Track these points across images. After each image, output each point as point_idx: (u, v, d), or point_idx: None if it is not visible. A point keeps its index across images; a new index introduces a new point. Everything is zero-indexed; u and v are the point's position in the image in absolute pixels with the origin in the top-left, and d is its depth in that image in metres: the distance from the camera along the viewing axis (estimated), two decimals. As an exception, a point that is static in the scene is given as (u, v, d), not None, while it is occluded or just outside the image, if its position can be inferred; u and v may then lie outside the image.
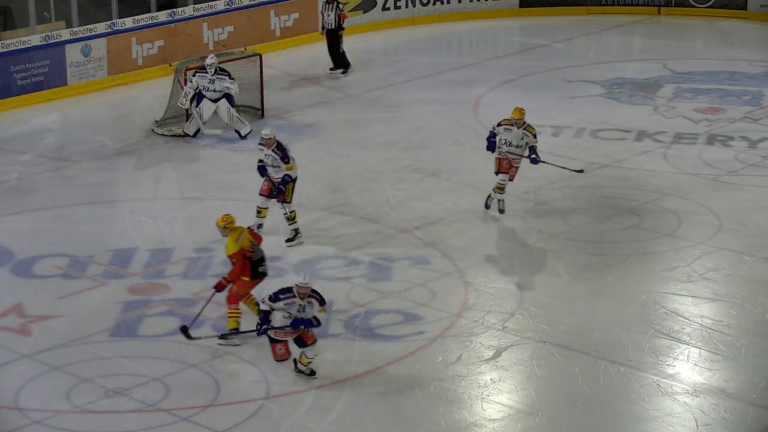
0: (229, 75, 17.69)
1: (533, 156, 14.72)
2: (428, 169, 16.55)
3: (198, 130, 17.78)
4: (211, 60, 17.55)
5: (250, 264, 11.88)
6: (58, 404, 10.79)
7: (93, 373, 11.27)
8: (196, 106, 17.54)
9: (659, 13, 25.33)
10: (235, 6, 22.27)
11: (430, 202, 15.39)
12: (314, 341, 11.14)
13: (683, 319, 12.27)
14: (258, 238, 12.21)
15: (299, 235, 14.20)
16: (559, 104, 19.51)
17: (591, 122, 18.50)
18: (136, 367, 11.30)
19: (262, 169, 14.05)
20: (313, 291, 11.17)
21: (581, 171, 15.76)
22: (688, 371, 11.32)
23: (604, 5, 25.48)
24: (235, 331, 11.81)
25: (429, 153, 17.26)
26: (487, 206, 14.97)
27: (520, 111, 14.61)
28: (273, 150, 13.89)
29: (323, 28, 21.20)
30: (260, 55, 19.27)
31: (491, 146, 14.79)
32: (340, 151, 17.37)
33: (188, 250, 13.97)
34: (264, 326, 11.08)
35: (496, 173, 14.81)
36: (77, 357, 11.57)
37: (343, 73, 21.16)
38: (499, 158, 14.75)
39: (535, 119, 18.62)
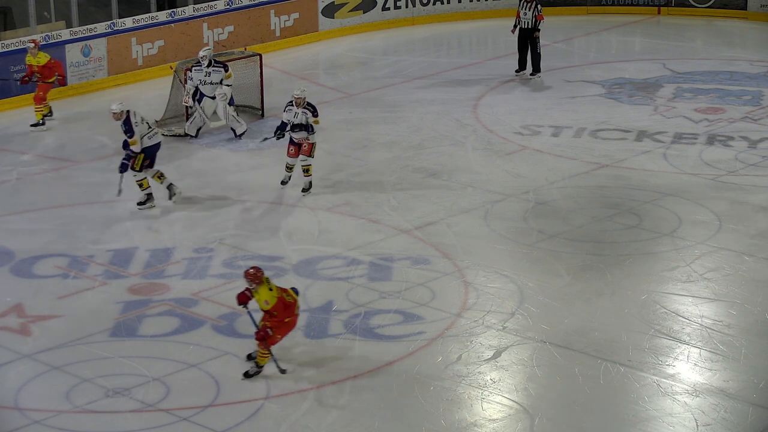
0: (224, 67, 17.64)
1: None
2: (428, 169, 16.53)
3: (199, 130, 17.78)
4: (204, 52, 17.51)
5: None
6: (58, 404, 10.77)
7: (93, 373, 11.25)
8: (199, 104, 17.54)
9: (659, 13, 25.33)
10: (235, 6, 22.28)
11: (430, 202, 15.37)
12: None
13: (683, 319, 12.25)
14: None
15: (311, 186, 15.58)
16: (559, 104, 19.51)
17: (591, 122, 18.50)
18: (136, 367, 11.29)
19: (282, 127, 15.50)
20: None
21: None
22: (688, 371, 11.30)
23: (604, 5, 25.49)
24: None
25: (429, 153, 17.25)
26: None
27: None
28: (304, 108, 15.34)
29: (515, 26, 20.75)
30: (260, 55, 19.27)
31: None
32: (340, 151, 17.36)
33: (188, 250, 13.96)
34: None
35: None
36: (77, 357, 11.55)
37: (532, 75, 20.79)
38: None
39: (535, 119, 18.77)
